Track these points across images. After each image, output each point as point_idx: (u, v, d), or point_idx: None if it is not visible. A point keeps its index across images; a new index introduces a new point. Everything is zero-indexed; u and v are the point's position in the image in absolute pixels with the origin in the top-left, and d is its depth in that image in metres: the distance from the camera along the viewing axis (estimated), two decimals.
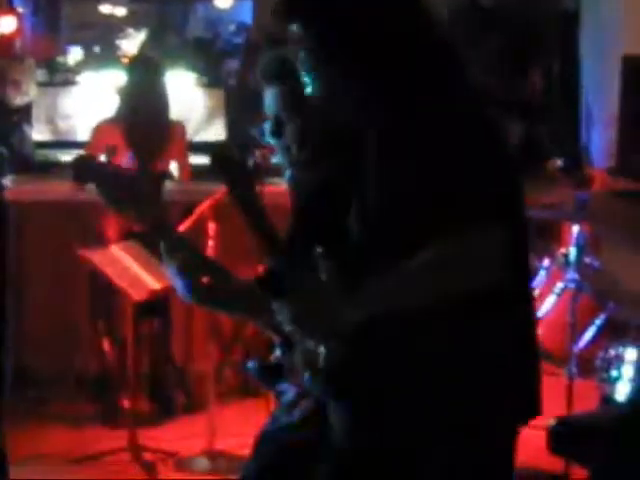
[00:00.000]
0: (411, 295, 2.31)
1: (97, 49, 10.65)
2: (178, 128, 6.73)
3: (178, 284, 2.81)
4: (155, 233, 2.94)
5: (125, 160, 6.19)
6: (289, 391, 2.97)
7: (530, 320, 2.55)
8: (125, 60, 9.10)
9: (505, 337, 2.41)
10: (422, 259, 2.27)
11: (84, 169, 2.87)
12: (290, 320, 2.39)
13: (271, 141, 3.15)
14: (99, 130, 6.56)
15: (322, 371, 2.41)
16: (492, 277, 2.27)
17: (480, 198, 2.25)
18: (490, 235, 2.24)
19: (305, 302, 2.37)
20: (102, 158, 5.44)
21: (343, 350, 2.39)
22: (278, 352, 2.70)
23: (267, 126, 3.12)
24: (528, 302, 2.56)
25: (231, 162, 3.18)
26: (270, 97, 3.09)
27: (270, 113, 3.13)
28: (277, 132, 3.10)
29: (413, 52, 2.40)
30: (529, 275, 2.72)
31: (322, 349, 2.42)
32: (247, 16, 11.12)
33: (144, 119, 6.55)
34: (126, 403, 5.97)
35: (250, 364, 2.77)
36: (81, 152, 6.69)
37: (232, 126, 8.30)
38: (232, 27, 11.02)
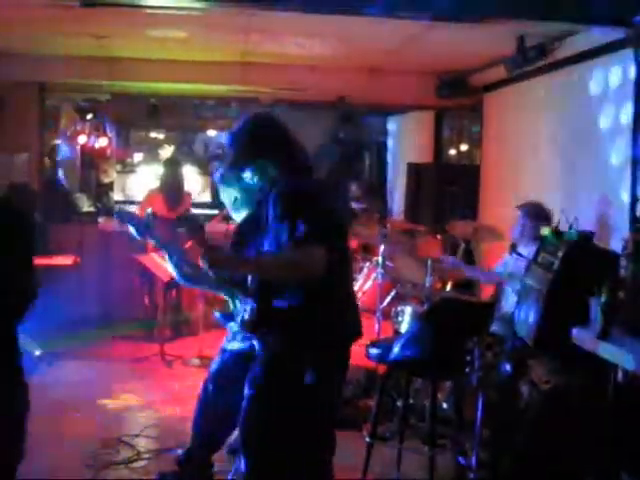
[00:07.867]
0: (267, 268, 3.03)
1: (148, 154, 12.68)
2: (187, 194, 8.44)
3: (175, 273, 3.54)
4: (162, 248, 3.59)
5: (162, 209, 7.77)
6: (233, 327, 3.52)
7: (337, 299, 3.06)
8: (162, 160, 10.64)
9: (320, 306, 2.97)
10: (278, 255, 2.97)
11: (121, 216, 3.48)
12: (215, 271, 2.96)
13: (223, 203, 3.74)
14: (149, 195, 8.28)
15: (243, 321, 3.13)
16: (311, 274, 2.87)
17: (310, 233, 2.87)
18: (312, 251, 2.86)
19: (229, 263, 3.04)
20: (144, 210, 6.77)
21: (252, 315, 3.06)
22: (230, 305, 3.26)
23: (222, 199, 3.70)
24: (341, 287, 3.13)
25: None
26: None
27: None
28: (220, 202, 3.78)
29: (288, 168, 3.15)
30: (346, 274, 3.23)
31: (244, 314, 3.04)
32: (223, 139, 10.93)
33: (171, 189, 8.15)
34: (157, 331, 7.78)
35: (216, 314, 3.51)
36: (123, 207, 8.02)
37: (214, 193, 10.00)
38: (216, 146, 12.74)
